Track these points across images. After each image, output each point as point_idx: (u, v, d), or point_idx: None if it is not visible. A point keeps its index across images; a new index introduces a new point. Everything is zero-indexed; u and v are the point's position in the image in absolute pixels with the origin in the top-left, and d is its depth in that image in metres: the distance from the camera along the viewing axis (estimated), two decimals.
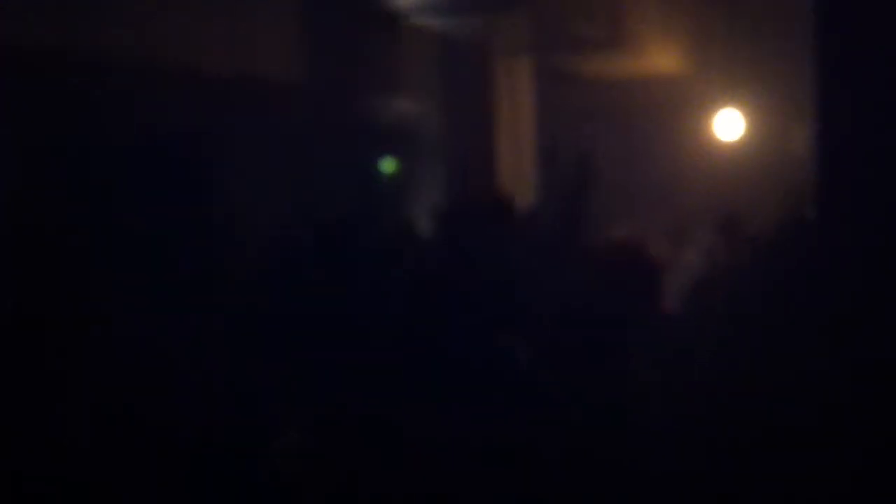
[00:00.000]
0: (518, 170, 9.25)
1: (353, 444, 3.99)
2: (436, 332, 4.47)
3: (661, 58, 9.99)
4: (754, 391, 4.11)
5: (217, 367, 4.23)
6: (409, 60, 8.95)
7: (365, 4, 8.45)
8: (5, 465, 3.65)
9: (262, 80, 7.60)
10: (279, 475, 3.93)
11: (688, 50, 10.09)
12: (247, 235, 5.96)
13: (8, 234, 4.66)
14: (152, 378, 4.03)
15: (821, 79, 4.80)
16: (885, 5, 4.64)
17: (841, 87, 4.74)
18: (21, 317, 4.10)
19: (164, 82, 6.54)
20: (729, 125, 10.36)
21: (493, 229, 5.51)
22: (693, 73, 10.22)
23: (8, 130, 5.37)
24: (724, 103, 10.34)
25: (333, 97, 8.08)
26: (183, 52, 6.91)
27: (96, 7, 6.24)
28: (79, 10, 6.13)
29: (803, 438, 3.92)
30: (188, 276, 5.14)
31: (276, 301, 4.89)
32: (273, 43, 7.86)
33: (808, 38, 4.96)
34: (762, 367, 4.25)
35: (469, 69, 9.13)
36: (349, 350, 4.45)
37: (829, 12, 4.80)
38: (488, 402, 4.21)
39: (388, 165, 8.59)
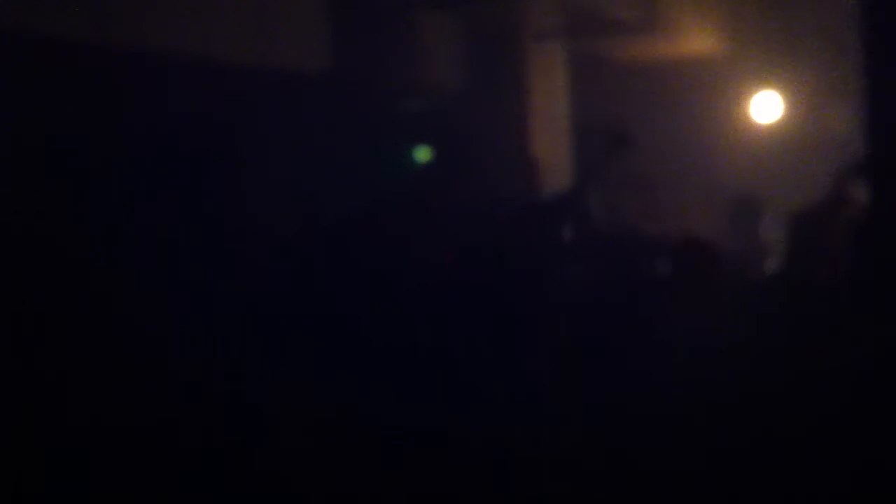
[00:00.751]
0: (553, 156, 9.15)
1: (354, 443, 3.94)
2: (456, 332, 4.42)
3: (696, 40, 9.88)
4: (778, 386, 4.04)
5: (218, 365, 4.17)
6: (441, 46, 8.88)
7: None
8: (5, 465, 3.61)
9: (292, 69, 7.55)
10: (279, 474, 3.89)
11: (723, 32, 9.98)
12: (268, 230, 5.90)
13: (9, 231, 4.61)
14: (153, 377, 3.98)
15: (868, 55, 4.72)
16: None
17: (889, 64, 4.66)
18: (21, 315, 4.06)
19: (188, 73, 6.51)
20: (766, 107, 10.22)
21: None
22: (729, 55, 10.11)
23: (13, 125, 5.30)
24: (762, 85, 10.22)
25: (364, 85, 8.02)
26: (206, 42, 6.88)
27: None
28: None
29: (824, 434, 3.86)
30: (201, 271, 5.08)
31: (284, 298, 4.83)
32: (302, 30, 7.81)
33: (851, 15, 4.88)
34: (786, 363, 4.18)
35: (501, 55, 9.04)
36: (352, 349, 4.39)
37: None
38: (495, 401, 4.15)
39: (421, 154, 8.50)
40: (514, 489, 3.79)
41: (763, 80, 10.18)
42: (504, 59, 9.00)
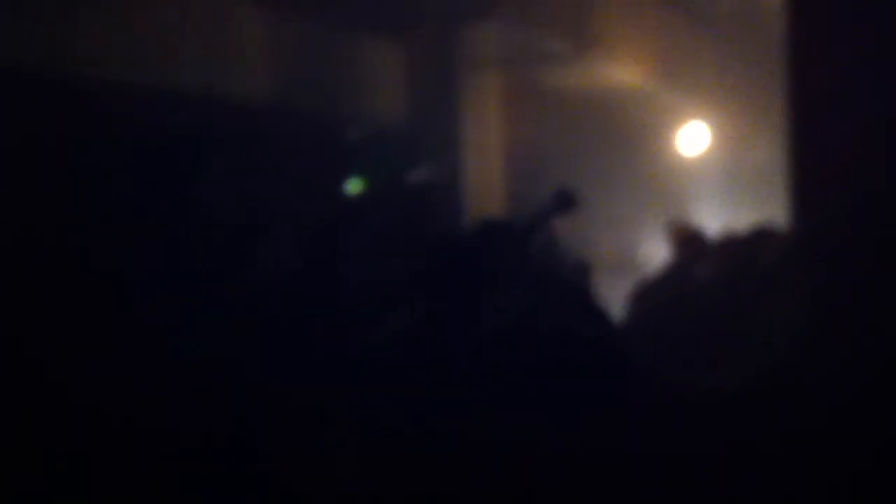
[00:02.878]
0: (487, 183, 9.28)
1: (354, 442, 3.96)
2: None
3: (626, 70, 10.02)
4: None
5: (217, 368, 4.21)
6: (377, 75, 8.97)
7: (331, 20, 8.45)
8: (3, 468, 3.66)
9: (228, 98, 7.61)
10: (278, 476, 3.91)
11: (653, 62, 10.12)
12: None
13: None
14: (151, 380, 4.01)
15: (791, 85, 4.86)
16: (855, 9, 4.70)
17: (813, 95, 4.80)
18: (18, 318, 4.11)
19: (132, 96, 6.58)
20: (694, 138, 10.38)
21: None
22: (658, 86, 10.25)
23: None
24: (690, 116, 10.38)
25: (299, 114, 8.08)
26: (149, 67, 6.94)
27: (68, 22, 6.30)
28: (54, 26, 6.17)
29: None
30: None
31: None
32: (237, 60, 7.87)
33: (776, 45, 5.02)
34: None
35: (436, 83, 9.14)
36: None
37: (799, 20, 4.85)
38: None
39: (354, 185, 8.53)
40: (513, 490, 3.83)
41: (691, 111, 10.35)
42: (441, 88, 9.11)
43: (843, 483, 3.72)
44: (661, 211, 9.28)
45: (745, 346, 4.91)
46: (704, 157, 10.36)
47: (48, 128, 5.80)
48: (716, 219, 9.04)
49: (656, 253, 8.44)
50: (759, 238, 6.43)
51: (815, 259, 4.75)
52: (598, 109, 9.88)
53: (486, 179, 9.39)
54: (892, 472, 3.77)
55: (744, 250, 6.44)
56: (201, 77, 7.31)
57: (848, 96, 4.72)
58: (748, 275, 6.02)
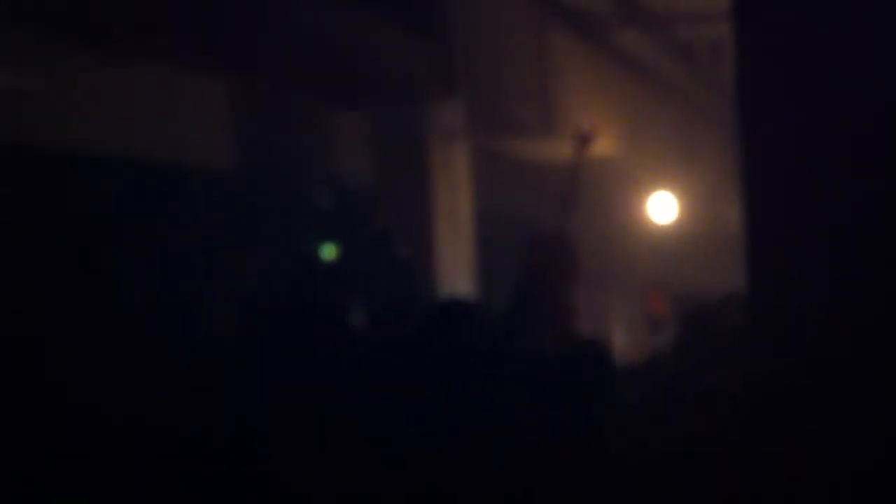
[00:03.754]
0: (457, 253, 9.34)
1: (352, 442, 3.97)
2: None
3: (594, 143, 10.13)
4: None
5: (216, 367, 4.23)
6: (348, 145, 9.05)
7: (298, 92, 8.53)
8: (3, 468, 3.65)
9: (197, 168, 7.66)
10: (278, 475, 3.91)
11: (620, 134, 10.27)
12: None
13: None
14: (150, 380, 4.02)
15: (745, 155, 4.95)
16: (805, 79, 4.81)
17: (765, 162, 4.89)
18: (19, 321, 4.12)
19: (99, 170, 6.64)
20: (662, 207, 10.51)
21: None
22: (626, 157, 10.40)
23: None
24: (657, 186, 10.50)
25: (269, 184, 8.14)
26: (117, 141, 7.00)
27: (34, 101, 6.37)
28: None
29: None
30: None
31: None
32: (206, 131, 7.94)
33: (733, 117, 5.12)
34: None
35: (406, 154, 9.23)
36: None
37: (750, 94, 4.96)
38: None
39: (328, 251, 8.59)
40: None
41: (659, 181, 10.48)
42: (410, 159, 9.20)
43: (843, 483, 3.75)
44: (635, 277, 9.37)
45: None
46: (675, 224, 10.48)
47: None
48: (687, 285, 9.13)
49: (630, 318, 8.51)
50: (724, 304, 6.50)
51: (766, 323, 4.82)
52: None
53: (458, 250, 9.46)
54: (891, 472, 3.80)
55: (709, 317, 6.51)
56: (164, 148, 7.37)
57: (799, 162, 4.82)
58: (711, 340, 6.08)
